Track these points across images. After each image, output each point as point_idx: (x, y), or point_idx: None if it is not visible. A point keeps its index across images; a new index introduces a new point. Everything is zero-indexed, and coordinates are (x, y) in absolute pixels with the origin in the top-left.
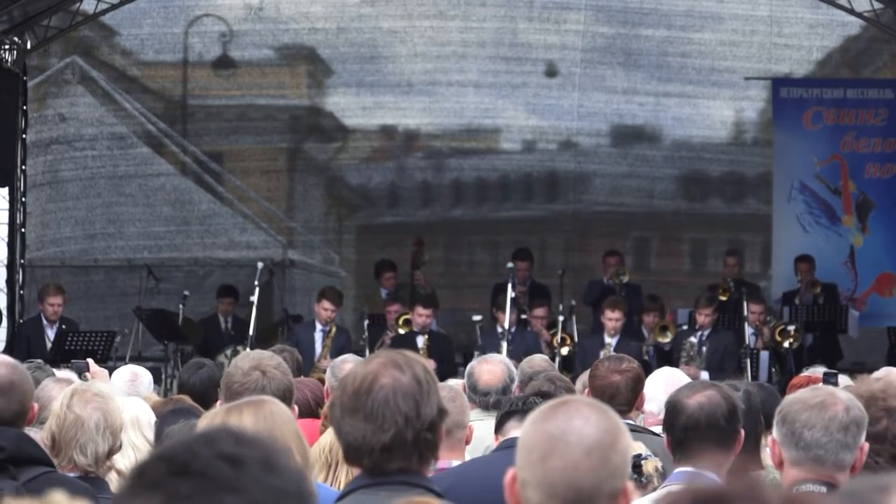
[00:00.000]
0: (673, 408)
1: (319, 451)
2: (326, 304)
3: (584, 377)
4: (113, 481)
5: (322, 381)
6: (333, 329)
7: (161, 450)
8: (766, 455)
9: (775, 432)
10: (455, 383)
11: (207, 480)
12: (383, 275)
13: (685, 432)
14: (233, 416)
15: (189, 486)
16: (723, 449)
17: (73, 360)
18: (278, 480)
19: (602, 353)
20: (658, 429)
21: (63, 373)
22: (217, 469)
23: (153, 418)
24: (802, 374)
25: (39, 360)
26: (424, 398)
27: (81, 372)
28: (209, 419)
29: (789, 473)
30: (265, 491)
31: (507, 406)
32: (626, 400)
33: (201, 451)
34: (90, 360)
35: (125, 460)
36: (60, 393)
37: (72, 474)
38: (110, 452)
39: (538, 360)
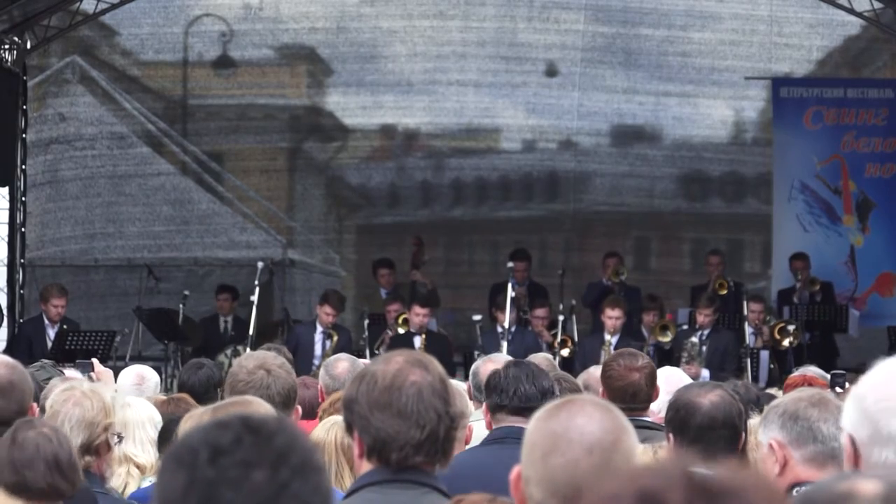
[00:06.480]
0: (685, 407)
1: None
2: (328, 308)
3: (582, 377)
4: (122, 475)
5: None
6: (335, 336)
7: (210, 429)
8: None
9: (781, 433)
10: (456, 384)
11: (233, 481)
12: (379, 271)
13: (701, 431)
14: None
15: (215, 477)
16: (732, 449)
17: (77, 361)
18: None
19: (602, 352)
20: None
21: (70, 372)
22: (246, 472)
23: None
24: (796, 374)
25: (48, 361)
26: (449, 396)
27: (85, 373)
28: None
29: (792, 473)
30: None
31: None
32: (648, 396)
33: (242, 447)
34: (95, 361)
35: (146, 455)
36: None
37: None
38: (89, 447)
39: (541, 359)
